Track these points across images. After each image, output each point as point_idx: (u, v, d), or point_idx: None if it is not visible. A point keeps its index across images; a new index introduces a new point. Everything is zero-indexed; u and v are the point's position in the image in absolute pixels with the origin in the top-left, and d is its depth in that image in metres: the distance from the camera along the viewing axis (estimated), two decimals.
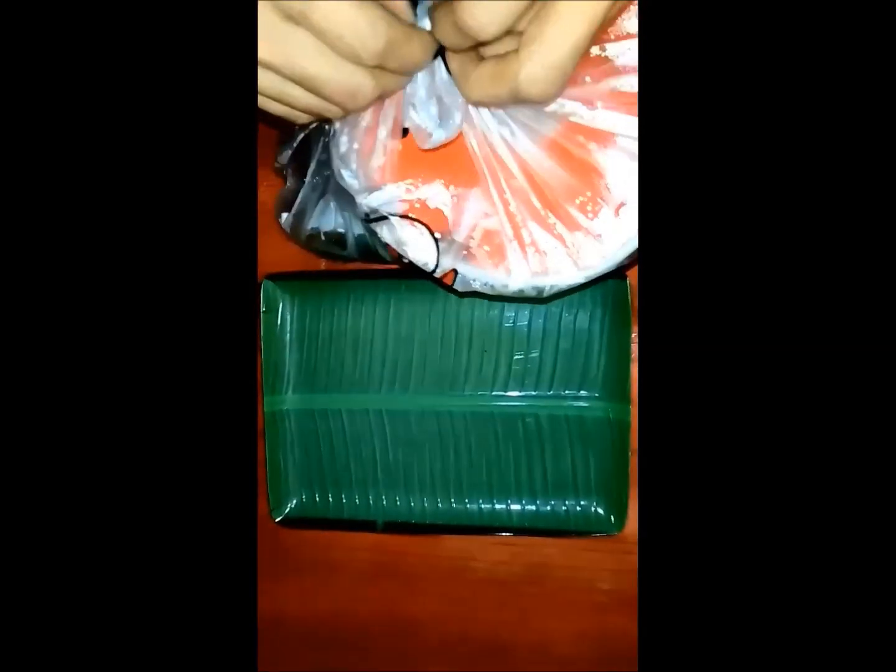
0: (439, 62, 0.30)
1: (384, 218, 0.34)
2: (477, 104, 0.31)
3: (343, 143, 0.34)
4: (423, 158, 0.34)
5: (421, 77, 0.31)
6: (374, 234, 0.36)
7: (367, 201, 0.34)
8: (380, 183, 0.34)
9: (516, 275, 0.34)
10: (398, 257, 0.36)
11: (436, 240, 0.34)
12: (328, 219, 0.39)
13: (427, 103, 0.31)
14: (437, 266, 0.34)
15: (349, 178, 0.35)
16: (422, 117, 0.31)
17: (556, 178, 0.32)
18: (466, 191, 0.34)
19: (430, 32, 0.29)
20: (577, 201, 0.33)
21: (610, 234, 0.33)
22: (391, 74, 0.29)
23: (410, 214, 0.34)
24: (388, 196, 0.34)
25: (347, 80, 0.28)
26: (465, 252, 0.34)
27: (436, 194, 0.34)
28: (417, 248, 0.34)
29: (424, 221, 0.34)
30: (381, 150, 0.34)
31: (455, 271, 0.34)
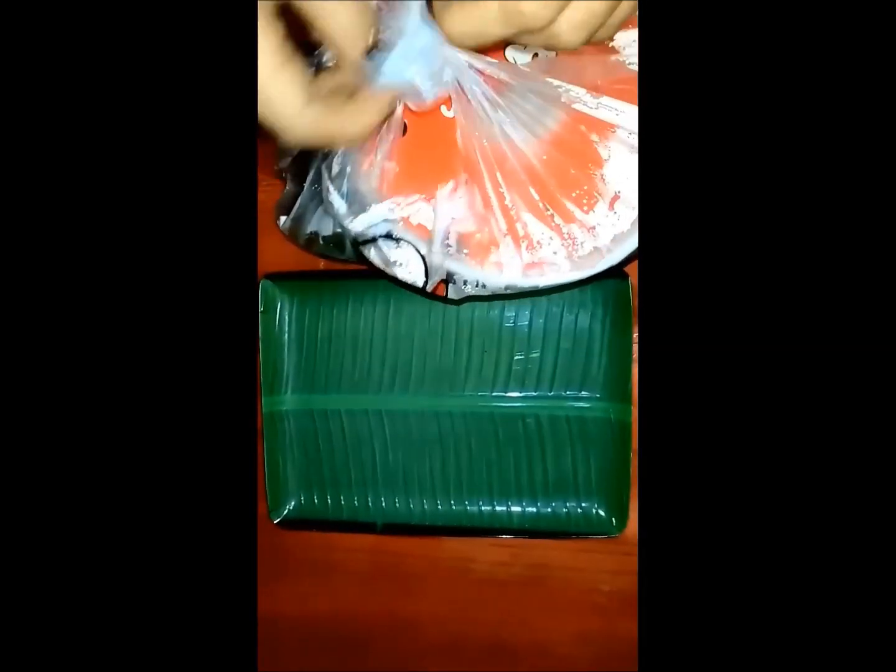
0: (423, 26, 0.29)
1: (372, 241, 0.34)
2: (459, 39, 0.28)
3: (336, 164, 0.35)
4: (415, 174, 0.34)
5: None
6: (363, 257, 0.36)
7: (352, 225, 0.34)
8: (369, 203, 0.34)
9: (509, 270, 0.34)
10: (391, 277, 0.36)
11: (422, 256, 0.34)
12: (327, 223, 0.39)
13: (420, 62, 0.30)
14: (426, 282, 0.34)
15: (337, 201, 0.35)
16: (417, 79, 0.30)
17: (554, 169, 0.32)
18: (439, 198, 0.34)
19: (378, 97, 0.28)
20: (574, 194, 0.33)
21: (605, 228, 0.33)
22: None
23: (395, 234, 0.34)
24: (372, 217, 0.34)
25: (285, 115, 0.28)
26: (447, 261, 0.34)
27: (417, 210, 0.34)
28: (406, 266, 0.34)
29: (409, 239, 0.34)
30: (377, 172, 0.34)
31: (445, 282, 0.34)
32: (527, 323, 0.43)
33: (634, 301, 0.40)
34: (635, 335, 0.41)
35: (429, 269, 0.34)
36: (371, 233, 0.34)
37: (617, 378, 0.42)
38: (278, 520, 0.44)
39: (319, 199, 0.38)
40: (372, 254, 0.35)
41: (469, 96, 0.31)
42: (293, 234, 0.39)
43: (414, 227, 0.34)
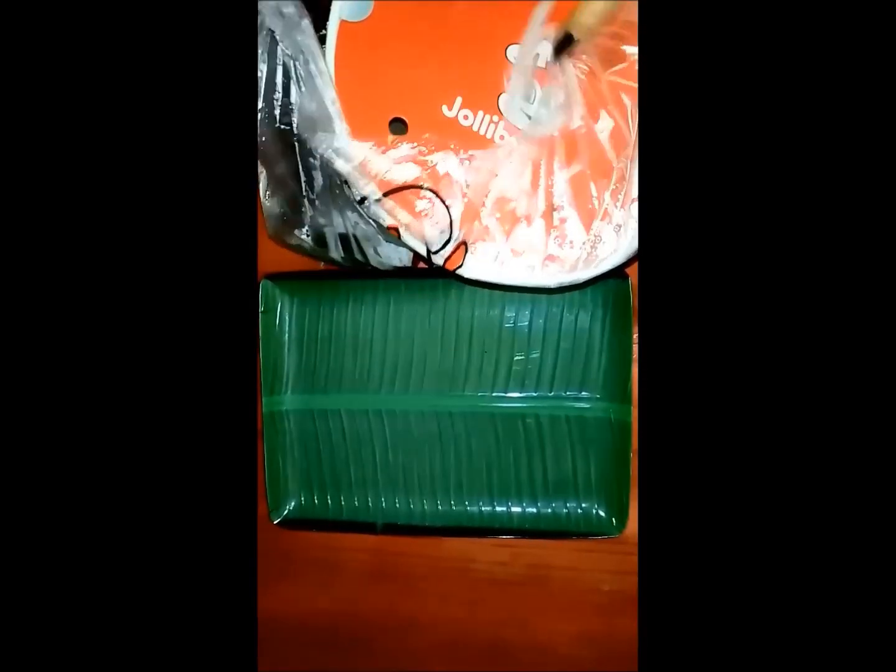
0: None
1: (395, 192, 0.34)
2: None
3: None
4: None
5: None
6: (351, 253, 0.35)
7: (380, 160, 0.33)
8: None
9: (530, 254, 0.34)
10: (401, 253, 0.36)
11: (447, 206, 0.33)
12: (307, 235, 0.39)
13: None
14: (450, 237, 0.34)
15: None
16: None
17: (599, 159, 0.33)
18: (481, 151, 0.33)
19: None
20: (611, 187, 0.33)
21: (629, 226, 0.33)
22: None
23: (422, 183, 0.33)
24: (402, 154, 0.34)
25: None
26: (476, 221, 0.34)
27: (444, 158, 0.34)
28: (428, 221, 0.34)
29: (435, 189, 0.34)
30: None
31: (465, 245, 0.34)
32: (527, 323, 0.43)
33: (634, 301, 0.40)
34: (635, 335, 0.41)
35: (453, 223, 0.33)
36: (395, 175, 0.34)
37: (617, 378, 0.42)
38: (278, 520, 0.44)
39: (297, 209, 0.38)
40: (394, 210, 0.34)
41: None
42: (279, 241, 0.39)
43: (440, 176, 0.34)
